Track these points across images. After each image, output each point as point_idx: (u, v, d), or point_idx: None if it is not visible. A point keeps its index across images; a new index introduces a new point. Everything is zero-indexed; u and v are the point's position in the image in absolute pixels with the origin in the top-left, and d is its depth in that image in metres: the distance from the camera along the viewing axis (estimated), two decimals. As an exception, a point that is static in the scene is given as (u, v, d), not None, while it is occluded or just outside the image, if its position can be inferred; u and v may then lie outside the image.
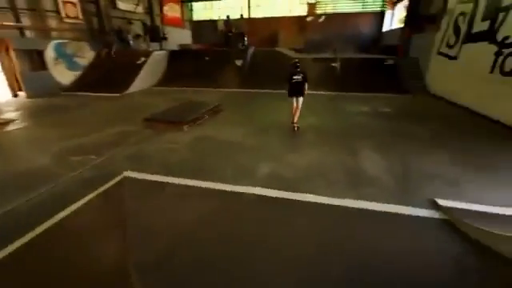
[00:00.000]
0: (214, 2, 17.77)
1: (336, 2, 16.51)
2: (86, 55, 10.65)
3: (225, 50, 12.00)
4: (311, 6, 16.44)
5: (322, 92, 8.77)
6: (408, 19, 11.38)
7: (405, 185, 3.04)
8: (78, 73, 10.15)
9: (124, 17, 12.59)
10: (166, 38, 13.60)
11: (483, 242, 2.00)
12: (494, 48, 5.65)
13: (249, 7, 16.63)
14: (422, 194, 2.82)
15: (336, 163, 3.61)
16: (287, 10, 17.65)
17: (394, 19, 15.18)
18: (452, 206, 2.52)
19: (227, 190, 2.96)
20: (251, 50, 11.15)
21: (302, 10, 17.28)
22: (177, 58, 11.66)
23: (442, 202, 2.60)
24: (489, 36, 5.91)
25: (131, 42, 12.03)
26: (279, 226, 2.38)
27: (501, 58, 5.44)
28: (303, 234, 2.26)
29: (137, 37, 12.81)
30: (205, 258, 2.01)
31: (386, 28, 15.67)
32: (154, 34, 13.04)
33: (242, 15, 13.49)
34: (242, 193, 2.88)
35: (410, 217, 2.45)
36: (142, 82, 9.85)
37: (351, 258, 1.98)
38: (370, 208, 2.59)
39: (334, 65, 9.84)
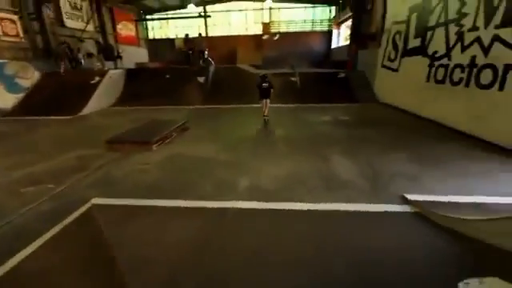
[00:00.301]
0: (170, 20, 17.68)
1: (289, 22, 17.72)
2: (30, 76, 9.64)
3: (186, 67, 11.92)
4: (266, 26, 17.41)
5: (285, 105, 9.18)
6: (352, 37, 12.71)
7: (375, 184, 3.31)
8: (20, 95, 9.10)
9: (73, 35, 11.81)
10: (120, 57, 13.04)
11: (448, 226, 2.27)
12: (427, 61, 6.60)
13: (206, 26, 16.94)
14: (392, 191, 3.10)
15: (311, 171, 3.78)
16: (243, 28, 18.39)
17: (341, 37, 16.81)
18: (419, 199, 2.81)
19: (211, 206, 2.89)
20: (212, 67, 11.25)
21: (257, 29, 18.15)
22: (135, 76, 11.21)
23: (410, 196, 2.89)
24: (421, 51, 6.89)
25: (82, 60, 11.27)
26: (270, 235, 2.40)
27: (433, 69, 6.36)
28: (296, 240, 2.31)
29: (89, 55, 12.05)
30: (212, 276, 1.93)
31: (334, 45, 17.23)
32: (108, 52, 12.42)
33: (200, 34, 13.62)
34: (227, 208, 2.84)
35: (388, 213, 2.67)
36: (97, 102, 9.20)
37: (343, 256, 2.08)
38: (350, 209, 2.76)
39: (293, 79, 10.43)
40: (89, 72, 10.64)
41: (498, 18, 4.52)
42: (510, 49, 4.29)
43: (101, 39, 12.76)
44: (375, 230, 2.43)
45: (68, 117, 8.07)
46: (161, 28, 18.38)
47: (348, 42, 13.54)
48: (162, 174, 3.81)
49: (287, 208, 2.82)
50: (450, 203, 2.78)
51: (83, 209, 2.91)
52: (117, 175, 3.81)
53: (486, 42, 4.77)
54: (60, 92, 9.13)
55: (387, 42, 8.98)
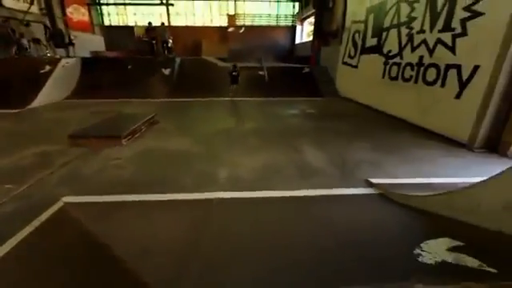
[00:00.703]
0: (128, 6, 16.49)
1: (254, 15, 17.75)
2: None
3: (149, 58, 11.34)
4: (231, 18, 17.21)
5: (254, 98, 9.37)
6: (315, 34, 13.29)
7: (343, 171, 3.66)
8: None
9: (14, 17, 10.41)
10: (73, 44, 11.86)
11: (405, 203, 2.66)
12: (383, 59, 7.27)
13: (168, 15, 16.16)
14: (357, 176, 3.47)
15: (285, 161, 4.02)
16: (208, 19, 17.94)
17: (304, 33, 17.39)
18: (381, 182, 3.21)
19: (195, 198, 2.95)
20: (179, 59, 10.89)
21: (222, 21, 17.86)
22: (92, 66, 10.35)
23: (373, 180, 3.28)
24: (378, 50, 7.55)
25: (27, 46, 10.05)
26: (254, 222, 2.55)
27: (388, 67, 7.03)
28: (278, 224, 2.51)
29: (35, 41, 10.76)
30: (207, 261, 2.01)
31: (298, 40, 17.76)
32: (58, 38, 11.22)
33: (163, 23, 12.99)
34: (212, 199, 2.93)
35: (356, 195, 3.01)
36: (49, 94, 8.34)
37: (324, 233, 2.33)
38: (323, 193, 3.04)
39: (261, 73, 10.61)
40: (37, 60, 9.53)
41: (440, 24, 5.19)
42: (450, 51, 4.97)
43: (48, 23, 11.44)
44: (345, 211, 2.73)
45: (14, 110, 7.23)
46: (118, 14, 17.04)
47: (311, 38, 14.10)
48: (137, 169, 3.72)
49: (267, 196, 3.00)
50: (406, 184, 3.23)
51: (54, 208, 2.75)
52: (87, 172, 3.62)
53: (431, 43, 5.44)
54: (3, 82, 8.08)
55: (347, 39, 9.60)
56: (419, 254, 1.80)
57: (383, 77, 7.21)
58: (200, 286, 1.78)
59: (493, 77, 4.17)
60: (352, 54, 9.24)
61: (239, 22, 17.74)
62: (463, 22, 4.66)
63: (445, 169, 3.73)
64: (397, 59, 6.62)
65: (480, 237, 1.73)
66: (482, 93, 4.34)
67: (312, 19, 14.17)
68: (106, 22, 17.18)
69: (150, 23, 12.52)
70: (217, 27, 17.79)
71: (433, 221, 2.22)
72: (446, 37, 5.04)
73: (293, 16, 18.22)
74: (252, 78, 10.73)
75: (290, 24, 18.12)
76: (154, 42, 11.85)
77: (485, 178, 1.99)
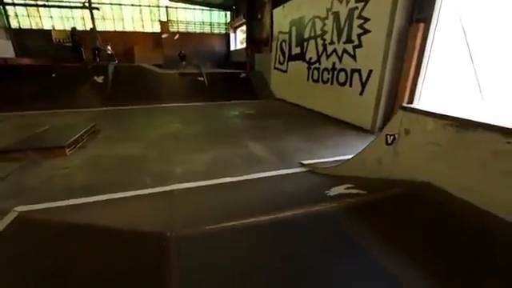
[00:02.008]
0: (42, 8, 14.75)
1: (187, 22, 17.93)
2: None
3: (77, 65, 10.54)
4: (164, 24, 17.04)
5: (195, 103, 9.73)
6: (248, 42, 14.36)
7: (281, 158, 4.46)
8: None
9: None
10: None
11: (326, 173, 3.57)
12: (306, 65, 8.57)
13: (93, 19, 15.05)
14: (293, 160, 4.31)
15: (233, 154, 4.63)
16: (139, 25, 17.34)
17: (237, 40, 18.40)
18: (310, 163, 4.11)
19: (157, 191, 3.30)
20: (112, 66, 10.45)
21: (155, 27, 17.51)
22: (2, 75, 9.12)
23: (305, 162, 4.16)
24: (301, 57, 8.84)
25: None
26: (213, 201, 3.08)
27: (311, 71, 8.35)
28: (233, 200, 3.09)
29: None
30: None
31: (232, 47, 18.66)
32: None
33: (93, 28, 12.19)
34: (172, 190, 3.33)
35: (292, 173, 3.81)
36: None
37: (267, 199, 3.01)
38: (267, 175, 3.76)
39: (200, 79, 11.01)
40: None
41: (344, 37, 6.58)
42: (352, 58, 6.37)
43: None
44: (285, 183, 3.51)
45: None
46: (29, 16, 15.00)
47: (244, 45, 15.14)
48: (91, 175, 3.80)
49: (222, 182, 3.56)
50: (328, 162, 4.20)
51: (8, 219, 2.75)
52: (33, 183, 3.55)
53: (340, 52, 6.82)
54: None
55: (276, 48, 10.81)
56: (327, 192, 2.66)
57: (308, 80, 8.51)
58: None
59: (381, 78, 5.61)
60: (281, 60, 10.46)
61: (172, 29, 17.68)
62: (359, 36, 6.07)
63: (354, 148, 4.87)
64: (316, 65, 7.95)
65: (364, 182, 2.64)
66: (376, 91, 5.76)
67: (244, 28, 15.22)
68: (14, 25, 14.97)
69: (74, 28, 11.62)
70: (149, 33, 17.37)
71: (340, 179, 3.12)
72: (349, 47, 6.44)
73: (225, 24, 19.08)
74: (192, 83, 11.05)
75: (224, 32, 18.93)
76: (82, 48, 11.06)
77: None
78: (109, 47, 14.18)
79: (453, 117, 1.90)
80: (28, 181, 3.60)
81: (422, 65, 5.04)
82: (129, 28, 17.10)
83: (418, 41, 4.98)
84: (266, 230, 1.87)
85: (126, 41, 16.03)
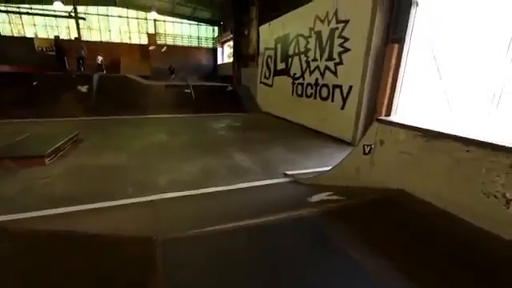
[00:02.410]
0: (24, 16, 14.51)
1: (175, 35, 18.17)
2: None
3: (60, 74, 10.35)
4: (151, 37, 17.18)
5: (182, 115, 9.76)
6: (235, 57, 14.72)
7: (266, 169, 4.56)
8: None
9: None
10: None
11: (308, 182, 3.69)
12: (291, 80, 8.89)
13: (78, 28, 14.95)
14: (278, 171, 4.41)
15: (219, 165, 4.68)
16: (126, 37, 17.38)
17: (225, 55, 18.79)
18: (294, 173, 4.23)
19: (141, 201, 3.28)
20: (97, 75, 10.35)
21: (142, 39, 17.60)
22: (-21, 82, 8.80)
23: (288, 172, 4.27)
24: (286, 72, 9.17)
25: None
26: (201, 209, 3.10)
27: (295, 86, 8.66)
28: (219, 208, 3.12)
29: None
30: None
31: (220, 61, 19.01)
32: None
33: (78, 38, 12.09)
34: (156, 199, 3.32)
35: (276, 183, 3.91)
36: None
37: (253, 206, 3.07)
38: (252, 185, 3.83)
39: (187, 91, 11.10)
40: None
41: (326, 55, 6.95)
42: (334, 75, 6.71)
43: None
44: (269, 192, 3.59)
45: None
46: (10, 23, 14.67)
47: (231, 60, 15.49)
48: (72, 185, 3.72)
49: (207, 191, 3.59)
50: (311, 172, 4.34)
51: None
52: (10, 193, 3.42)
53: (322, 69, 7.17)
54: None
55: (262, 63, 11.16)
56: (309, 199, 2.79)
57: (292, 94, 8.80)
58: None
59: (360, 93, 5.93)
60: (267, 75, 10.79)
61: (160, 41, 17.84)
62: (339, 54, 6.43)
63: (335, 159, 5.05)
64: (300, 80, 8.28)
65: (343, 190, 2.78)
66: (356, 105, 6.07)
67: (231, 43, 15.63)
68: (-7, 32, 14.59)
69: (57, 37, 11.48)
70: (137, 45, 17.43)
71: (321, 188, 3.24)
72: (331, 64, 6.79)
73: (213, 39, 19.49)
74: (179, 95, 11.10)
75: (211, 46, 19.31)
76: (65, 57, 10.91)
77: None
78: (100, 58, 14.29)
79: (422, 128, 2.09)
80: (4, 190, 3.47)
81: (398, 81, 5.39)
82: (116, 39, 17.08)
83: (393, 60, 5.36)
84: (249, 233, 1.92)
85: (112, 52, 15.95)
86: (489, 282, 1.42)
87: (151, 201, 3.28)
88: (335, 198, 2.53)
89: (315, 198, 2.73)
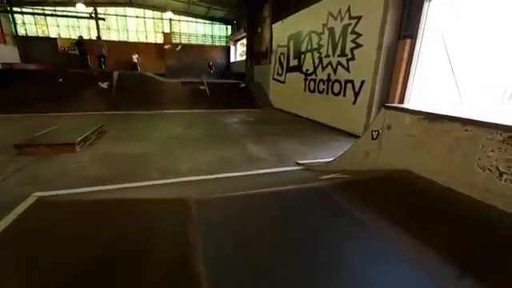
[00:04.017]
0: (49, 17, 15.30)
1: (189, 34, 18.63)
2: None
3: (83, 71, 10.95)
4: (167, 36, 17.70)
5: (197, 110, 10.12)
6: (248, 54, 14.98)
7: (279, 158, 4.80)
8: None
9: None
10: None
11: (318, 169, 3.90)
12: (303, 76, 9.06)
13: (98, 29, 15.63)
14: (290, 160, 4.64)
15: (234, 154, 4.95)
16: (143, 36, 17.98)
17: (238, 53, 19.10)
18: (305, 162, 4.45)
19: (166, 182, 3.59)
20: (116, 73, 10.87)
21: (158, 38, 18.16)
22: (10, 79, 9.46)
23: (300, 161, 4.49)
24: (299, 69, 9.34)
25: None
26: (221, 185, 3.37)
27: (307, 82, 8.82)
28: (240, 188, 3.38)
29: None
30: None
31: (232, 59, 19.34)
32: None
33: (99, 37, 12.71)
34: (179, 181, 3.62)
35: (289, 170, 4.14)
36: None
37: (268, 182, 3.31)
38: (266, 171, 4.07)
39: (202, 87, 11.46)
40: None
41: (338, 51, 7.09)
42: (346, 70, 6.85)
43: None
44: (281, 176, 3.83)
45: None
46: (36, 24, 15.53)
47: (244, 58, 15.76)
48: (102, 169, 4.07)
49: (225, 176, 3.86)
50: (322, 162, 4.54)
51: (27, 203, 2.97)
52: (48, 174, 3.80)
53: (334, 65, 7.31)
54: None
55: (275, 60, 11.36)
56: (320, 177, 3.00)
57: (304, 90, 8.97)
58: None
59: (372, 88, 6.05)
60: (279, 72, 10.98)
61: (175, 40, 18.35)
62: (352, 50, 6.57)
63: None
64: (313, 76, 8.44)
65: (352, 171, 2.98)
66: (368, 100, 6.19)
67: (244, 41, 15.90)
68: (21, 32, 15.48)
69: (81, 37, 12.11)
70: (153, 44, 18.01)
71: (331, 172, 3.44)
72: (343, 60, 6.93)
73: (226, 37, 19.83)
74: (194, 92, 11.48)
75: (225, 44, 19.66)
76: (87, 55, 11.50)
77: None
78: (135, 56, 15.95)
79: (424, 111, 2.26)
80: (43, 172, 3.86)
81: (409, 77, 5.49)
82: (133, 38, 17.72)
83: (406, 54, 5.46)
84: (267, 197, 2.17)
85: (129, 50, 16.58)
86: (481, 240, 1.60)
87: (176, 182, 3.59)
88: (343, 176, 2.74)
89: (325, 177, 2.95)
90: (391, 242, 1.57)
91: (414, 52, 5.36)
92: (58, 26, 15.88)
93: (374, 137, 2.85)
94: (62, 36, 16.05)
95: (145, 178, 3.71)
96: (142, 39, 18.13)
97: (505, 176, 1.67)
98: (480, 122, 1.80)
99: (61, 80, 9.84)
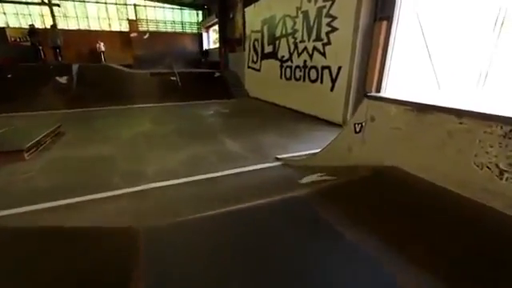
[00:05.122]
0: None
1: (157, 21, 17.41)
2: None
3: (36, 65, 9.79)
4: (133, 23, 16.40)
5: (169, 103, 9.49)
6: (221, 41, 14.26)
7: (257, 153, 4.49)
8: None
9: None
10: None
11: (298, 165, 3.65)
12: (278, 63, 8.69)
13: (53, 16, 14.05)
14: (269, 155, 4.35)
15: (209, 152, 4.57)
16: (106, 24, 16.54)
17: (211, 40, 18.21)
18: (285, 157, 4.18)
19: (127, 192, 3.16)
20: (76, 66, 9.84)
21: (123, 26, 16.80)
22: None
23: (279, 156, 4.22)
24: (274, 55, 8.95)
25: None
26: (190, 195, 3.02)
27: (283, 69, 8.48)
28: (212, 195, 3.05)
29: None
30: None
31: (206, 47, 18.44)
32: None
33: (54, 25, 11.42)
34: (143, 189, 3.21)
35: (267, 168, 3.85)
36: None
37: (244, 190, 3.01)
38: (243, 170, 3.76)
39: (173, 78, 10.75)
40: None
41: (314, 35, 6.77)
42: (322, 56, 6.58)
43: None
44: (260, 176, 3.53)
45: None
46: (-23, 13, 13.65)
47: (218, 45, 15.02)
48: (57, 178, 3.56)
49: (196, 179, 3.50)
50: (302, 155, 4.30)
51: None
52: (-11, 189, 3.25)
53: (310, 50, 7.01)
54: None
55: (249, 47, 10.86)
56: (300, 181, 2.75)
57: (281, 78, 8.64)
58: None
59: (349, 74, 5.85)
60: (254, 59, 10.53)
61: (142, 28, 17.07)
62: (327, 34, 6.28)
63: (326, 141, 4.99)
64: (289, 63, 8.11)
65: (335, 170, 2.75)
66: (345, 86, 5.99)
67: (216, 27, 15.09)
68: (-40, 22, 13.57)
69: (32, 25, 10.79)
70: (117, 32, 16.59)
71: (312, 170, 3.21)
72: (319, 45, 6.64)
73: (197, 24, 18.79)
74: (165, 83, 10.75)
75: (196, 31, 18.63)
76: (40, 47, 10.29)
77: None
78: (102, 44, 14.93)
79: (412, 102, 2.04)
80: (-19, 188, 3.28)
81: (387, 60, 5.32)
82: (95, 26, 16.22)
83: (382, 38, 5.26)
84: (240, 216, 1.87)
85: (91, 40, 15.13)
86: (481, 253, 1.41)
87: (139, 191, 3.18)
88: (326, 178, 2.50)
89: (306, 179, 2.70)
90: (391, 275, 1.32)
91: (391, 35, 5.17)
92: (4, 13, 14.09)
93: (357, 130, 2.62)
94: (11, 25, 14.30)
95: (104, 187, 3.26)
96: (106, 27, 16.66)
97: (506, 175, 1.49)
98: (477, 114, 1.59)
99: (10, 76, 8.73)
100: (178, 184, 3.36)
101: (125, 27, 16.97)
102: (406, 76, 5.35)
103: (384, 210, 1.76)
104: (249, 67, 11.14)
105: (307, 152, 4.46)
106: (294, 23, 7.52)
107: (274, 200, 2.08)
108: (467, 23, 4.97)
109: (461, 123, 1.69)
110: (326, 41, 6.37)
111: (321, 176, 2.62)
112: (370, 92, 5.61)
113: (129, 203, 2.90)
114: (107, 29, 16.67)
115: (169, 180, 3.45)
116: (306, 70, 7.27)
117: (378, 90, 5.59)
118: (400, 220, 1.65)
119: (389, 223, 1.63)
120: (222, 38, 13.95)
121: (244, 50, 11.36)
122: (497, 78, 4.68)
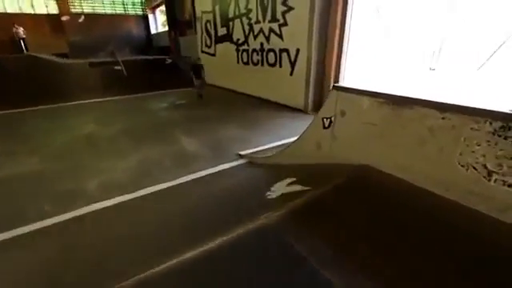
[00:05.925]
0: None
1: (93, 2, 15.21)
2: None
3: None
4: (63, 4, 14.07)
5: (114, 97, 8.38)
6: (169, 24, 13.00)
7: (217, 151, 4.06)
8: None
9: None
10: None
11: (263, 162, 3.34)
12: (234, 46, 8.11)
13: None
14: (230, 152, 3.95)
15: (162, 154, 4.01)
16: (28, 5, 13.94)
17: (158, 23, 16.59)
18: (248, 153, 3.82)
19: (62, 220, 2.55)
20: (-11, 59, 8.11)
21: (52, 8, 14.33)
22: None
23: (242, 152, 3.84)
24: (229, 38, 8.33)
25: None
26: (140, 223, 2.53)
27: (239, 53, 7.94)
28: (168, 213, 2.59)
29: None
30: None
31: (153, 31, 16.78)
32: None
33: None
34: (81, 215, 2.62)
35: (229, 169, 3.45)
36: None
37: (201, 215, 2.61)
38: (201, 175, 3.32)
39: (117, 68, 9.52)
40: None
41: (269, 15, 6.32)
42: (279, 38, 6.19)
43: None
44: (221, 184, 3.12)
45: None
46: None
47: (167, 28, 13.69)
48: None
49: (147, 193, 2.98)
50: (268, 149, 3.99)
51: None
52: None
53: (266, 32, 6.57)
54: None
55: (201, 29, 10.00)
56: (269, 194, 2.48)
57: (238, 62, 8.11)
58: None
59: (308, 57, 5.58)
60: (208, 43, 9.75)
61: (75, 10, 14.78)
62: (283, 14, 5.87)
63: (291, 129, 4.79)
64: (245, 46, 7.58)
65: (305, 172, 2.50)
66: (305, 70, 5.73)
67: (163, 8, 13.68)
68: None
69: None
70: (44, 15, 14.11)
71: (280, 171, 2.92)
72: (275, 26, 6.22)
73: (141, 4, 16.90)
74: (108, 74, 9.49)
75: (141, 13, 16.78)
76: None
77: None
78: (21, 30, 12.65)
79: (388, 94, 1.80)
80: None
81: (344, 41, 5.15)
82: (12, 9, 13.51)
83: (339, 17, 5.03)
84: (200, 264, 1.48)
85: (8, 25, 12.57)
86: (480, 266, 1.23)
87: (71, 218, 2.58)
88: (298, 187, 2.21)
89: (275, 190, 2.37)
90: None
91: (347, 14, 4.96)
92: None
93: (326, 125, 2.35)
94: None
95: (28, 217, 2.59)
96: (27, 9, 14.04)
97: (495, 176, 1.32)
98: (462, 108, 1.39)
99: None
100: (120, 204, 2.81)
101: (53, 9, 14.52)
102: (364, 56, 5.26)
103: (363, 228, 1.52)
104: (202, 52, 10.32)
105: (272, 145, 4.16)
106: (248, 2, 6.95)
107: (238, 235, 1.71)
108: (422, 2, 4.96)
109: (443, 118, 1.48)
110: (282, 21, 5.97)
111: (291, 184, 2.33)
112: (330, 74, 5.44)
113: (48, 248, 2.28)
114: (29, 11, 14.07)
115: (111, 198, 2.88)
116: (264, 54, 6.84)
117: (338, 72, 5.45)
118: (382, 242, 1.42)
119: (369, 248, 1.39)
120: (171, 20, 12.71)
121: (196, 32, 10.45)
122: (448, 55, 4.83)
